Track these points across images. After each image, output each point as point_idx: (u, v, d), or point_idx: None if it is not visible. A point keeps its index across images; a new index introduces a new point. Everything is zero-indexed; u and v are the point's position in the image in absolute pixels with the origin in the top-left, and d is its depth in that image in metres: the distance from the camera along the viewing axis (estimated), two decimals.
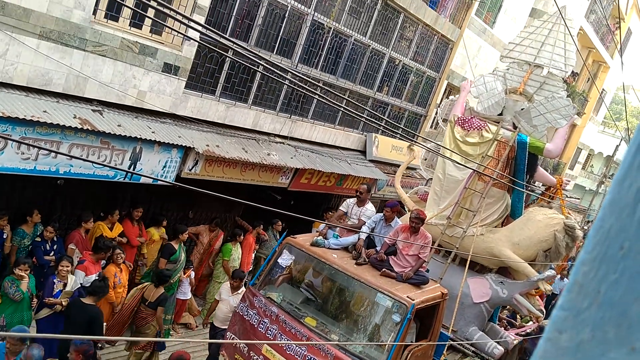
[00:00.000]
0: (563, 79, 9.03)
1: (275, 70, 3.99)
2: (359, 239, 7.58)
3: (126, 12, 7.33)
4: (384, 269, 7.08)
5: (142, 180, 7.96)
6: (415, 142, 9.53)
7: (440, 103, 9.77)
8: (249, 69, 8.90)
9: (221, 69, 8.91)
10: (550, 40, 8.99)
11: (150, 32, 7.74)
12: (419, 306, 6.53)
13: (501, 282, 8.51)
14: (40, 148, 5.89)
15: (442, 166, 9.14)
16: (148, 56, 7.62)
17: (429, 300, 6.89)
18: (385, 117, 10.08)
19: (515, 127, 9.13)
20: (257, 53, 7.26)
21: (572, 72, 22.83)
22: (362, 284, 6.79)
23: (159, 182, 8.10)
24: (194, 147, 8.11)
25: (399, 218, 8.43)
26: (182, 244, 8.91)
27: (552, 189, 9.72)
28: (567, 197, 29.96)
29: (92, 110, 7.15)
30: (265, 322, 6.78)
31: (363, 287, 6.83)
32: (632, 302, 0.50)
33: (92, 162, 4.85)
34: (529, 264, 8.56)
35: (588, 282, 0.53)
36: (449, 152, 8.71)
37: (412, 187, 13.92)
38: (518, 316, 12.22)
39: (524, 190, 9.09)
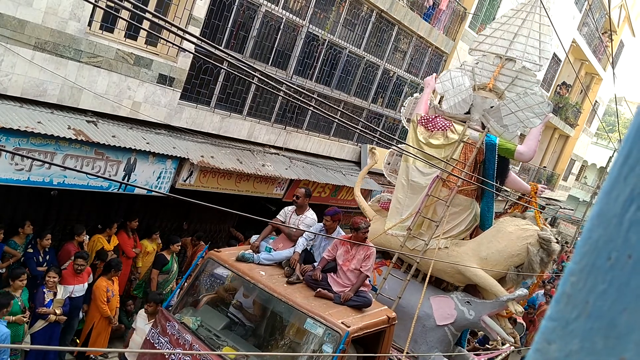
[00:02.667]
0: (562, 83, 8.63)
1: (270, 82, 4.00)
2: (294, 252, 6.48)
3: (121, 24, 7.35)
4: (319, 289, 6.04)
5: (137, 191, 7.94)
6: (411, 154, 9.19)
7: (404, 101, 8.67)
8: (244, 80, 8.92)
9: (216, 80, 8.93)
10: (524, 31, 8.01)
11: (145, 43, 7.76)
12: (356, 334, 5.51)
13: (468, 302, 7.47)
14: (34, 159, 5.89)
15: (405, 171, 8.07)
16: (143, 67, 7.63)
17: (370, 326, 5.85)
18: (379, 129, 10.12)
19: (484, 127, 8.11)
20: (252, 64, 7.28)
21: (565, 83, 23.04)
22: (291, 308, 5.70)
23: (154, 193, 8.08)
24: (188, 158, 8.11)
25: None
26: (174, 255, 8.88)
27: (526, 196, 8.48)
28: (562, 207, 30.10)
29: (86, 121, 7.14)
30: (177, 353, 5.78)
31: (292, 311, 5.77)
32: (621, 312, 0.50)
33: (86, 173, 4.84)
34: (498, 281, 7.58)
35: (576, 293, 0.53)
36: (412, 155, 7.69)
37: None
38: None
39: (494, 191, 7.99)
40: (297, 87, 6.12)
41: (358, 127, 8.23)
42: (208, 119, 8.98)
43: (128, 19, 5.44)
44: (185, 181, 8.44)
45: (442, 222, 7.61)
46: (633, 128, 0.51)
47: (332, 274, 6.32)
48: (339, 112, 10.13)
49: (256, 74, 3.25)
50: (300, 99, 6.54)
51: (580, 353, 0.52)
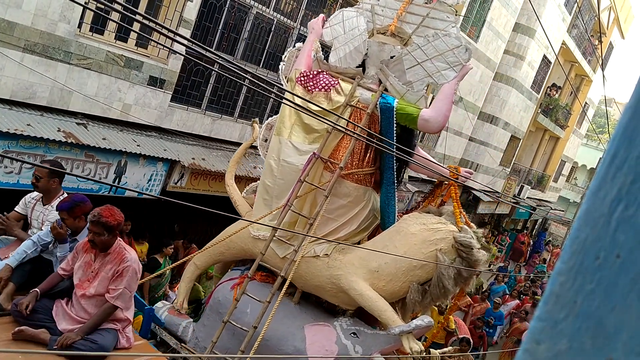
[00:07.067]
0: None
1: (262, 84, 4.00)
2: (5, 265, 4.28)
3: (111, 26, 7.33)
4: (20, 328, 3.85)
5: (127, 193, 7.90)
6: (398, 153, 5.95)
7: (285, 55, 6.30)
8: (235, 82, 8.91)
9: (207, 82, 8.91)
10: None
11: (135, 45, 7.74)
12: None
13: (354, 334, 5.22)
14: (23, 162, 5.84)
15: (276, 148, 5.70)
16: (133, 69, 7.60)
17: None
18: (372, 131, 10.10)
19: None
20: (243, 66, 7.26)
21: (555, 84, 23.21)
22: None
23: (144, 196, 8.05)
24: (179, 161, 8.09)
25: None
26: (167, 258, 8.85)
27: (444, 185, 6.02)
28: (552, 209, 30.28)
29: (76, 123, 7.11)
30: None
31: None
32: (608, 312, 0.50)
33: (77, 175, 4.82)
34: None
35: (565, 293, 0.53)
36: (288, 125, 5.68)
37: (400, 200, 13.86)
38: None
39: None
40: (288, 90, 6.11)
41: (349, 129, 8.22)
42: (199, 121, 8.96)
43: (118, 21, 5.41)
44: (176, 183, 8.41)
45: (317, 218, 5.29)
46: (620, 127, 0.51)
47: (64, 300, 4.16)
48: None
49: (247, 76, 3.25)
50: (292, 101, 6.53)
51: (569, 353, 0.52)
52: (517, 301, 14.39)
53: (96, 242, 3.99)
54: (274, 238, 5.36)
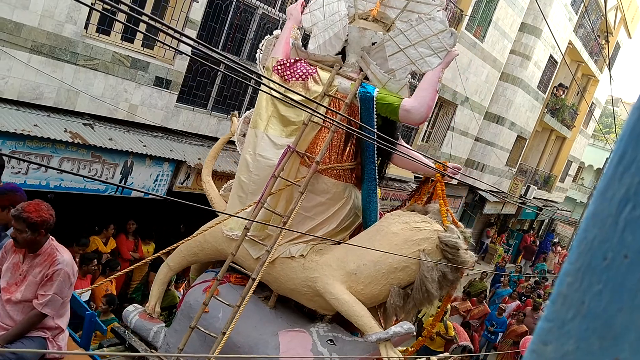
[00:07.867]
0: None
1: (267, 85, 4.01)
2: None
3: (118, 26, 7.36)
4: None
5: (134, 194, 7.94)
6: (401, 152, 5.37)
7: (262, 43, 5.85)
8: (240, 82, 8.92)
9: (213, 82, 8.93)
10: None
11: (142, 46, 7.76)
12: None
13: (330, 341, 4.87)
14: (30, 162, 5.88)
15: (252, 142, 5.34)
16: (140, 70, 7.63)
17: None
18: (377, 131, 10.10)
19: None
20: (249, 67, 7.28)
21: (561, 84, 23.13)
22: None
23: (150, 196, 8.08)
24: (185, 161, 8.11)
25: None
26: None
27: (430, 181, 5.49)
28: (559, 209, 30.14)
29: (83, 124, 7.14)
30: None
31: None
32: (616, 312, 0.50)
33: (83, 176, 4.84)
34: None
35: (572, 293, 0.53)
36: (264, 117, 5.26)
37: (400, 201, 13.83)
38: None
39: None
40: (294, 91, 6.11)
41: (354, 129, 8.21)
42: (205, 122, 8.98)
43: (124, 22, 5.43)
44: (182, 184, 8.43)
45: (291, 215, 4.88)
46: (628, 127, 0.51)
47: None
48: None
49: (253, 77, 3.26)
50: (298, 101, 6.54)
51: (576, 354, 0.52)
52: (518, 302, 14.08)
53: (18, 240, 3.52)
54: (247, 238, 4.94)
